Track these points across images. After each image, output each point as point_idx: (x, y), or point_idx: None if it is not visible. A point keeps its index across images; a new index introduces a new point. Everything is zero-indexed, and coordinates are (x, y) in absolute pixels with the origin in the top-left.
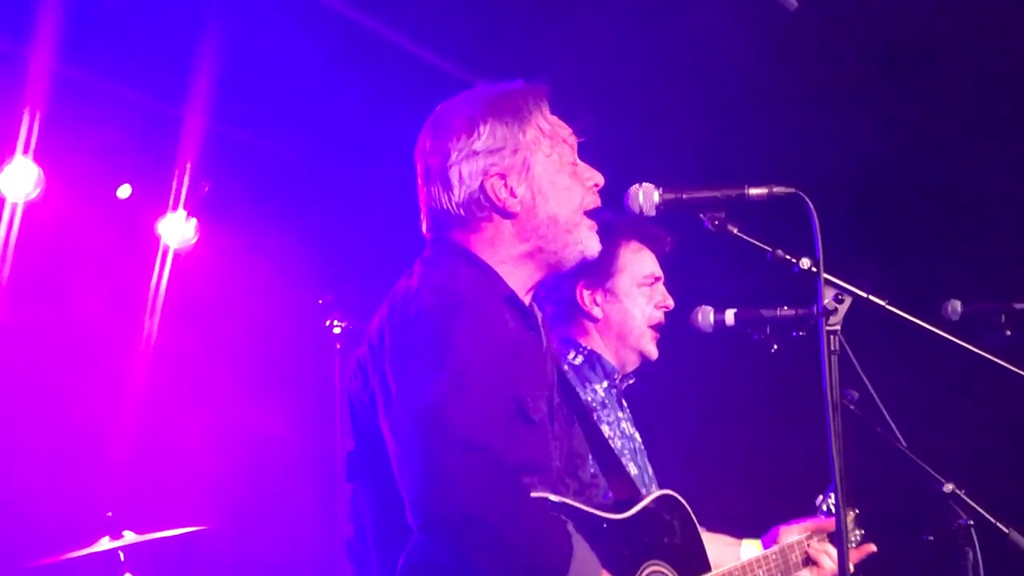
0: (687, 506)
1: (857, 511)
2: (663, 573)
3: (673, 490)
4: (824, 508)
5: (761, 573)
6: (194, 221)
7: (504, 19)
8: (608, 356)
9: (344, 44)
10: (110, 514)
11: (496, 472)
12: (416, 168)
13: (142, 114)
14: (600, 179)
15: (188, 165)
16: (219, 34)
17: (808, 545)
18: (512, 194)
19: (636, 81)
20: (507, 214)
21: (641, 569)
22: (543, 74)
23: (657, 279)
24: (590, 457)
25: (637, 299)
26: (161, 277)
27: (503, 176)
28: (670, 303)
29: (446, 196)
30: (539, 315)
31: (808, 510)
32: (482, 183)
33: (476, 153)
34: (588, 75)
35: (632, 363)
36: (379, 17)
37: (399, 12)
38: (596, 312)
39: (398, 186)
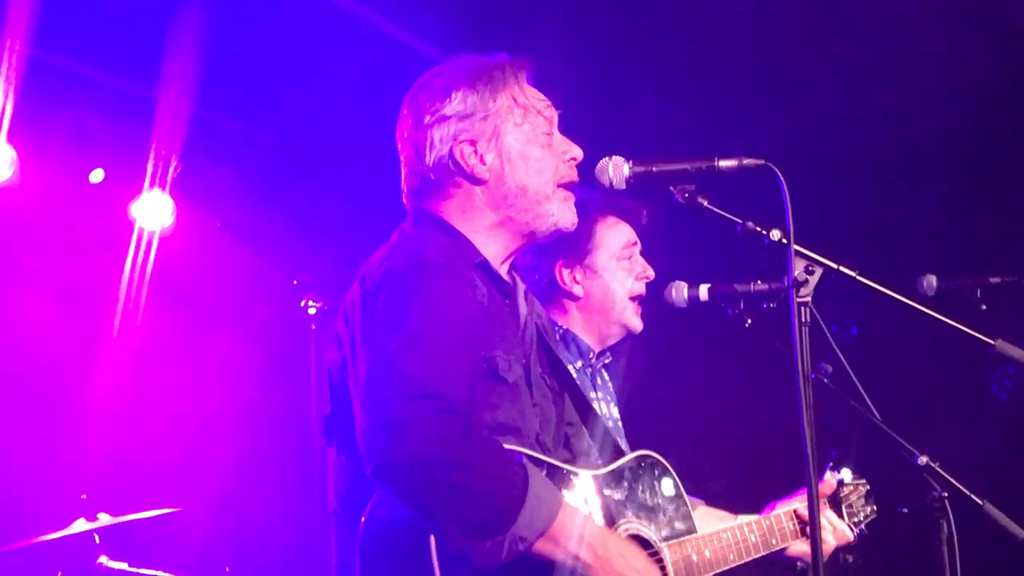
0: (669, 466)
1: (867, 485)
2: (642, 532)
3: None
4: (825, 477)
5: (753, 538)
6: (170, 203)
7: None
8: (585, 335)
9: (319, 23)
10: (85, 496)
11: (449, 418)
12: (396, 137)
13: (116, 97)
14: (578, 152)
15: (162, 148)
16: (193, 14)
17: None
18: (481, 161)
19: (608, 54)
20: (476, 180)
21: (616, 525)
22: (516, 49)
23: (634, 245)
24: (583, 428)
25: (617, 273)
26: (136, 260)
27: (473, 143)
28: (650, 273)
29: (419, 161)
30: (521, 286)
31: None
32: (452, 148)
33: (447, 118)
34: (561, 48)
35: (615, 336)
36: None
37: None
38: (577, 290)
39: (374, 165)
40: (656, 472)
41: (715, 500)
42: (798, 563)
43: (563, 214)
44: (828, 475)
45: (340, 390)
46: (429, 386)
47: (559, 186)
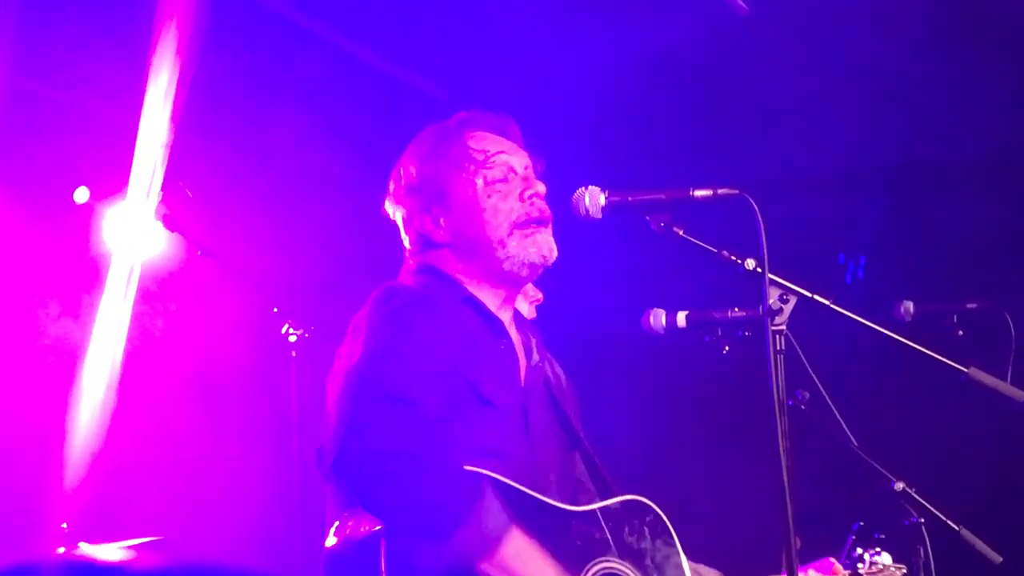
0: (661, 513)
1: (903, 569)
2: (622, 572)
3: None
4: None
5: None
6: (158, 232)
7: (464, 32)
8: None
9: (300, 53)
10: (65, 526)
11: (411, 422)
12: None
13: (98, 123)
14: (539, 188)
15: (144, 175)
16: (177, 42)
17: None
18: (438, 226)
19: (586, 86)
20: (441, 244)
21: (592, 563)
22: (497, 82)
23: None
24: (591, 485)
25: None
26: (116, 287)
27: (428, 211)
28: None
29: (402, 236)
30: (533, 339)
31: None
32: (413, 221)
33: (401, 195)
34: (542, 81)
35: None
36: (348, 33)
37: (367, 29)
38: None
39: (356, 193)
40: (647, 518)
41: (692, 525)
42: None
43: (524, 250)
44: (865, 556)
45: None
46: (392, 389)
47: (516, 226)
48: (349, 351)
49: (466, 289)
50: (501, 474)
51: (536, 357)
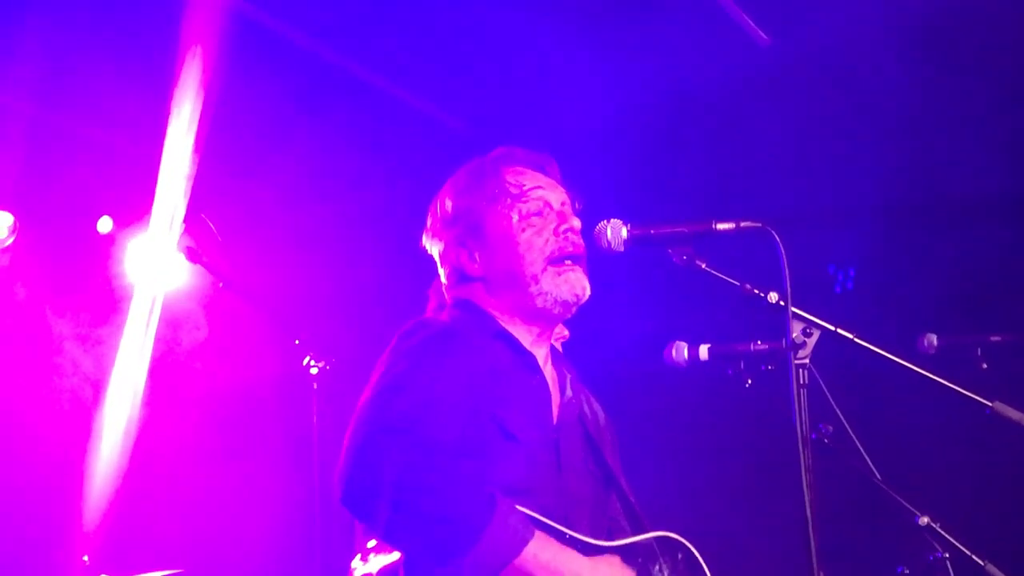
0: (694, 550)
1: None
2: None
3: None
4: None
5: None
6: (179, 264)
7: (478, 58)
8: None
9: (317, 81)
10: (87, 559)
11: (416, 449)
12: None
13: (120, 152)
14: (574, 223)
15: (167, 205)
16: (198, 73)
17: None
18: (473, 260)
19: (609, 118)
20: (474, 278)
21: None
22: (521, 113)
23: None
24: (625, 524)
25: None
26: (138, 319)
27: (463, 244)
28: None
29: (439, 269)
30: (567, 375)
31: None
32: (449, 255)
33: (438, 229)
34: (565, 112)
35: None
36: (374, 67)
37: (393, 64)
38: None
39: (377, 224)
40: (678, 555)
41: (715, 559)
42: None
43: (557, 288)
44: None
45: None
46: (402, 423)
47: (550, 262)
48: (367, 386)
49: (499, 324)
50: (528, 509)
51: (570, 393)
